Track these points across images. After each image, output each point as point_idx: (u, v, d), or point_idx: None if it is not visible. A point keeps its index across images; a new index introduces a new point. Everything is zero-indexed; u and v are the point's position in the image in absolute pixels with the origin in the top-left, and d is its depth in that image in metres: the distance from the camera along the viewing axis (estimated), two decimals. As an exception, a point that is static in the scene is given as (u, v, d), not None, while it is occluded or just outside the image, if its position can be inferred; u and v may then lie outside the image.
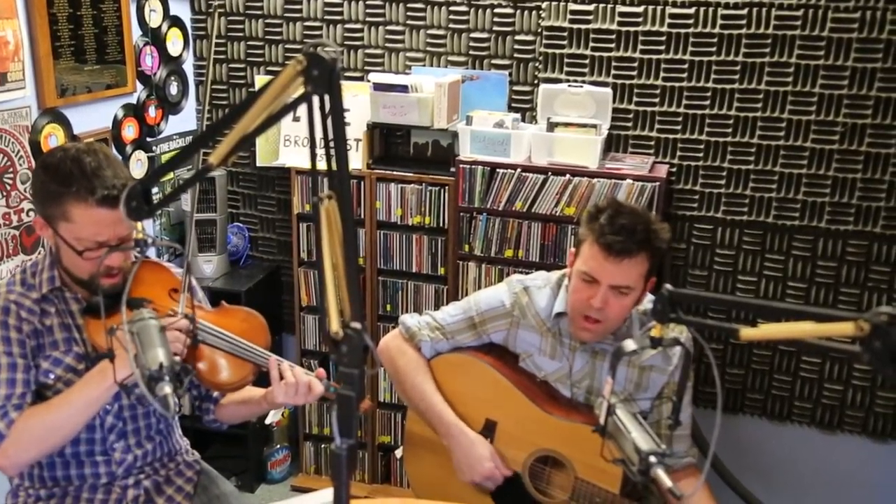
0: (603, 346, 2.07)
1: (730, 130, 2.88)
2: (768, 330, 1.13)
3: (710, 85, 2.86)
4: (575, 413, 2.06)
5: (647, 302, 2.10)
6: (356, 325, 1.07)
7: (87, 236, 1.71)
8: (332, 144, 1.06)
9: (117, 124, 2.95)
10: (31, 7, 2.50)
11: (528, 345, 2.14)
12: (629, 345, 1.42)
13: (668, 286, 1.32)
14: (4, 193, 2.46)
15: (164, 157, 3.23)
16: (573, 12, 2.93)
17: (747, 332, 1.16)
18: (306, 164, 3.14)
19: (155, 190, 3.12)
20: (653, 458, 1.39)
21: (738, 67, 2.81)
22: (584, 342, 2.06)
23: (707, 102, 2.88)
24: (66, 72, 2.65)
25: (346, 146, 1.05)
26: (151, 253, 2.03)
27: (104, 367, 1.70)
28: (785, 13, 2.73)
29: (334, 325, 1.08)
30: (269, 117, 1.13)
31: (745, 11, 2.76)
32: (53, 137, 2.62)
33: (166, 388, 1.34)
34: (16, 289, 1.82)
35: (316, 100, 1.06)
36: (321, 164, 1.08)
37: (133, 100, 3.03)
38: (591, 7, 2.91)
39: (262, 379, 1.88)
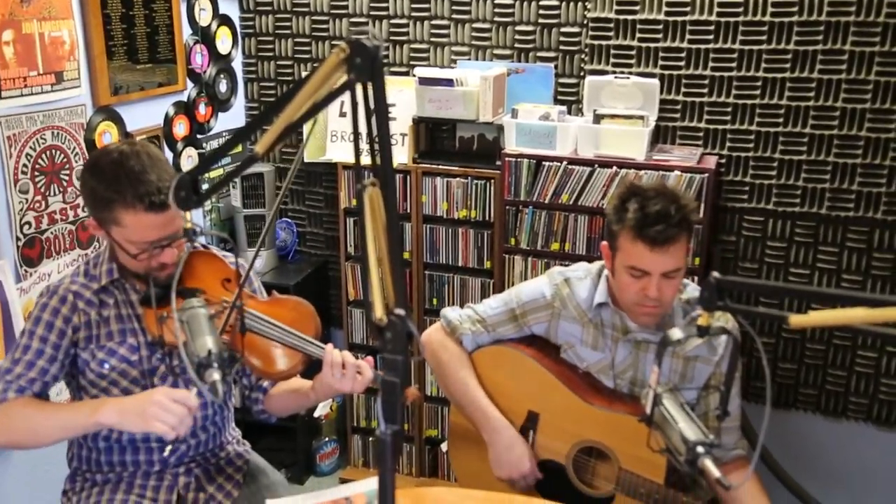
0: (646, 337, 2.05)
1: (781, 120, 2.83)
2: (819, 316, 1.10)
3: (760, 74, 2.80)
4: (618, 403, 2.04)
5: (692, 290, 2.08)
6: (400, 311, 1.07)
7: (138, 239, 1.75)
8: (376, 134, 1.06)
9: (168, 121, 3.01)
10: (85, 8, 2.57)
11: (570, 336, 2.13)
12: (675, 333, 1.40)
13: (716, 274, 1.30)
14: (61, 189, 2.53)
15: (214, 154, 3.28)
16: (619, 3, 2.90)
17: (797, 319, 1.13)
18: (352, 159, 3.16)
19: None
20: (700, 449, 1.37)
21: (789, 56, 2.76)
22: (644, 327, 2.04)
23: (757, 92, 2.82)
24: (119, 70, 2.72)
25: (390, 132, 1.06)
26: (212, 246, 2.05)
27: (96, 404, 1.73)
28: (838, -1, 2.67)
29: (378, 312, 1.09)
30: (313, 106, 1.15)
31: (796, -2, 2.70)
32: (108, 135, 2.69)
33: (215, 375, 1.36)
34: (79, 279, 1.88)
35: (361, 90, 1.07)
36: (365, 152, 1.09)
37: (184, 97, 3.09)
38: (638, -3, 2.88)
39: (311, 371, 1.89)
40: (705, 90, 2.88)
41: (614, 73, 2.94)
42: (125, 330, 1.87)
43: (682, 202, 1.92)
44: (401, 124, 3.08)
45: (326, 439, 3.50)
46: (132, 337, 1.87)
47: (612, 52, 2.96)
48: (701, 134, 2.93)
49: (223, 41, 3.29)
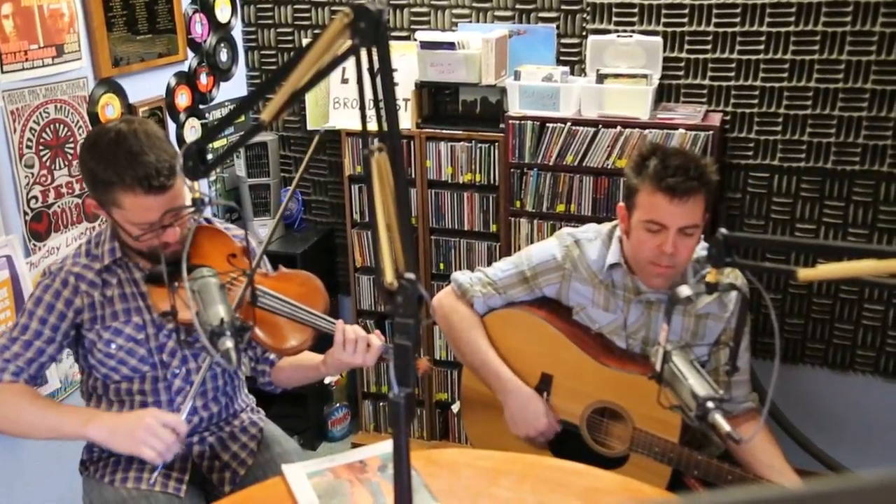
0: (658, 296, 2.06)
1: (785, 75, 2.80)
2: (827, 269, 1.11)
3: (764, 28, 2.78)
4: (631, 364, 2.05)
5: (700, 249, 2.08)
6: (410, 275, 1.08)
7: (139, 221, 1.75)
8: (380, 98, 1.06)
9: (170, 92, 3.00)
10: (82, -21, 2.55)
11: (581, 297, 2.14)
12: (684, 290, 1.41)
13: (723, 230, 1.31)
14: (66, 163, 2.53)
15: (217, 124, 3.27)
16: (621, -40, 2.87)
17: (805, 273, 1.14)
18: (356, 126, 3.15)
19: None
20: (710, 404, 1.38)
21: (793, 9, 2.73)
22: (655, 289, 2.04)
23: (761, 47, 2.80)
24: (119, 42, 2.70)
25: (395, 96, 1.06)
26: (214, 217, 2.04)
27: (88, 416, 1.75)
28: (843, -50, 2.63)
29: (388, 276, 1.09)
30: (317, 72, 1.14)
31: (800, -50, 2.67)
32: (110, 107, 2.68)
33: (228, 343, 1.37)
34: (80, 261, 1.87)
35: (365, 57, 1.07)
36: (371, 118, 1.09)
37: (185, 67, 3.07)
38: (640, -47, 2.84)
39: (320, 345, 1.91)
40: (708, 47, 2.86)
41: (616, 31, 2.91)
42: (130, 309, 1.88)
43: (701, 161, 1.95)
44: (403, 89, 3.06)
45: (337, 405, 3.54)
46: (137, 315, 1.88)
47: (614, 10, 2.93)
48: (705, 91, 2.91)
49: (222, 10, 3.26)
